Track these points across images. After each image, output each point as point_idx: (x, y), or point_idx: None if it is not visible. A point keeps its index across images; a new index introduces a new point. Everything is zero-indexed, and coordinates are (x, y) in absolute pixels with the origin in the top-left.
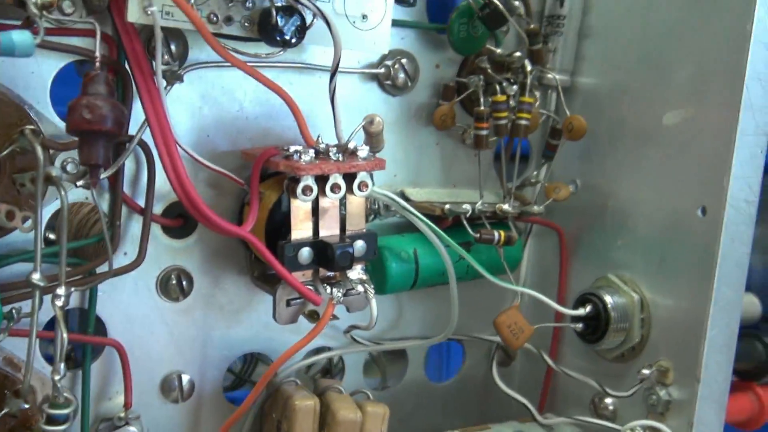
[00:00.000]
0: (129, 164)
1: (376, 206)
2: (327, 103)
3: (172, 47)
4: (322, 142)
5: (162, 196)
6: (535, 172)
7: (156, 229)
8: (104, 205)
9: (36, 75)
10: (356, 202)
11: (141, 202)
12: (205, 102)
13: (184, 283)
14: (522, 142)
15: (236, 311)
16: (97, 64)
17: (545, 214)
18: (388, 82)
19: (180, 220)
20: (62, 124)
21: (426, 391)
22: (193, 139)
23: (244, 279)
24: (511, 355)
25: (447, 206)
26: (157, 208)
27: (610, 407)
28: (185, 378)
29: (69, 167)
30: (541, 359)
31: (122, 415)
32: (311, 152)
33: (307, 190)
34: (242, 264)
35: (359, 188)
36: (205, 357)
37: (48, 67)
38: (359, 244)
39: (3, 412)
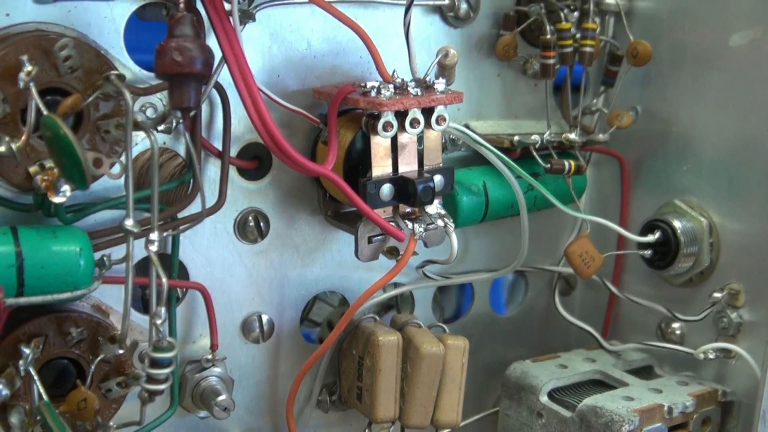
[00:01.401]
0: (202, 108)
1: (443, 140)
2: (392, 38)
3: None
4: (398, 77)
5: (236, 138)
6: (594, 100)
7: (232, 172)
8: (179, 150)
9: (109, 20)
10: (433, 136)
11: (217, 145)
12: (274, 41)
13: (261, 224)
14: (580, 69)
15: (311, 251)
16: (181, 5)
17: (608, 143)
18: (451, 13)
19: (255, 162)
20: (137, 69)
21: (491, 323)
22: (264, 79)
23: (317, 218)
24: (572, 285)
25: (516, 137)
26: (232, 151)
27: (678, 332)
28: (265, 318)
29: (149, 112)
30: (603, 287)
31: (209, 357)
32: (390, 87)
33: (387, 126)
34: (315, 204)
35: (437, 122)
36: (283, 297)
37: (120, 11)
38: (438, 179)
39: (99, 358)
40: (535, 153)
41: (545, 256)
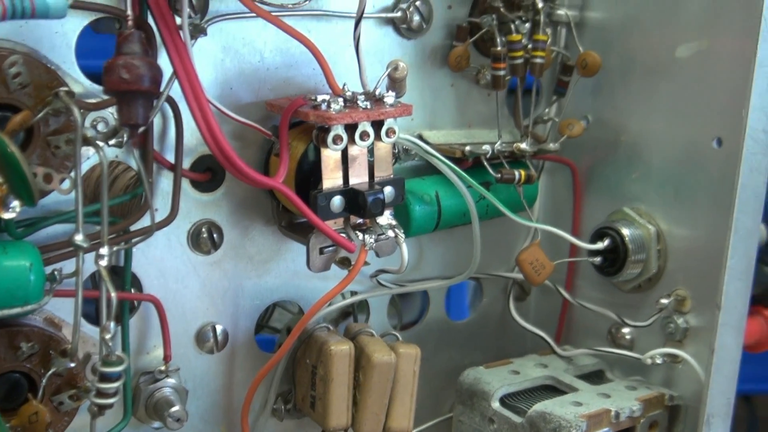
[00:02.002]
0: (155, 121)
1: (396, 150)
2: (345, 50)
3: (194, 0)
4: (348, 90)
5: (189, 150)
6: (546, 110)
7: (185, 184)
8: (132, 163)
9: (60, 34)
10: (384, 148)
11: (169, 158)
12: (227, 54)
13: (214, 235)
14: (534, 79)
15: (265, 261)
16: (129, 22)
17: (559, 151)
18: (404, 25)
19: (208, 174)
20: (88, 83)
21: (447, 330)
22: (216, 92)
23: (271, 229)
24: (527, 291)
25: (467, 148)
26: (185, 163)
27: (628, 337)
28: (219, 328)
29: (100, 126)
30: (557, 293)
31: (163, 368)
32: (340, 101)
33: (337, 139)
34: (269, 214)
35: (387, 135)
36: (237, 307)
37: (72, 26)
38: (389, 190)
39: (50, 371)
40: (486, 163)
41: (500, 262)
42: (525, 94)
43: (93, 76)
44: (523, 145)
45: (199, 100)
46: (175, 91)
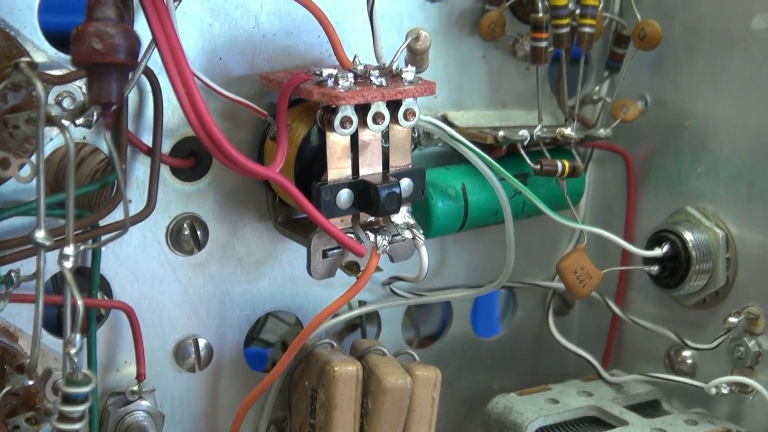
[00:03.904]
0: (130, 96)
1: (416, 134)
2: (356, 14)
3: None
4: (360, 64)
5: (170, 132)
6: (596, 88)
7: (164, 172)
8: (102, 146)
9: None
10: (401, 133)
11: (146, 140)
12: (216, 18)
13: (198, 232)
14: (581, 52)
15: (257, 263)
16: None
17: (611, 138)
18: None
19: (192, 160)
20: (53, 51)
21: (473, 348)
22: (203, 62)
23: (265, 225)
24: (569, 304)
25: (501, 133)
26: (165, 147)
27: (689, 361)
28: (202, 343)
29: (65, 102)
30: (605, 307)
31: (135, 388)
32: (350, 76)
33: (346, 122)
34: (263, 208)
35: (405, 117)
36: (224, 318)
37: None
38: (406, 183)
39: (5, 390)
40: (523, 152)
41: (538, 269)
42: (571, 69)
43: (57, 37)
44: (568, 131)
45: (183, 72)
46: (155, 61)
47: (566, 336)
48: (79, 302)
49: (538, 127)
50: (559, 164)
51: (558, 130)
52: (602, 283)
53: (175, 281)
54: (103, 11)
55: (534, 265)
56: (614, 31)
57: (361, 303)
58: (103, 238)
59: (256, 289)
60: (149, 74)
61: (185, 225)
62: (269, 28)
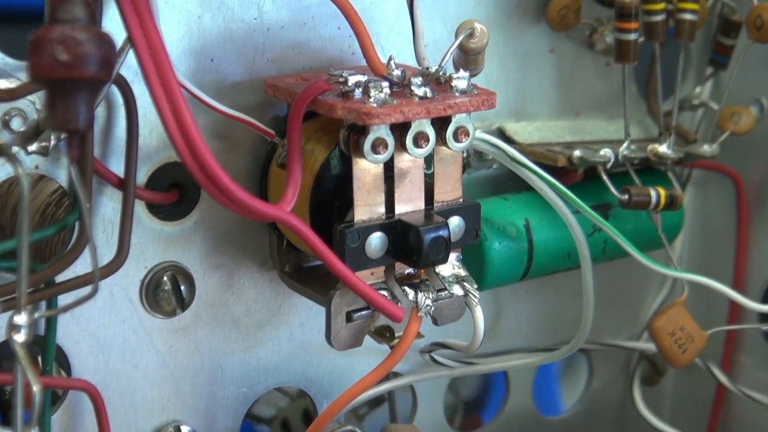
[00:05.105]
0: (96, 111)
1: (465, 154)
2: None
3: None
4: (396, 68)
5: (147, 157)
6: (696, 89)
7: (139, 209)
8: (61, 177)
9: None
10: (450, 158)
11: (115, 169)
12: (207, 8)
13: (181, 287)
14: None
15: (258, 326)
16: None
17: (717, 156)
18: None
19: (174, 194)
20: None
21: (535, 429)
22: (191, 66)
23: (268, 276)
24: (661, 370)
25: (576, 152)
26: (140, 177)
27: None
28: (185, 430)
29: (15, 123)
30: (708, 375)
31: None
32: (384, 85)
33: (379, 145)
34: (265, 253)
35: (456, 138)
36: (214, 398)
37: None
38: (455, 223)
39: None
40: (605, 177)
41: (620, 326)
42: (665, 65)
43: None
44: (663, 148)
45: (166, 78)
46: (128, 66)
47: (656, 412)
48: (35, 387)
49: (626, 144)
50: (653, 193)
51: (650, 147)
52: (703, 349)
53: (151, 351)
54: (70, 10)
55: (615, 321)
56: (720, 18)
57: (394, 375)
58: (66, 304)
59: (255, 360)
60: (120, 82)
61: (165, 278)
62: (275, 19)
